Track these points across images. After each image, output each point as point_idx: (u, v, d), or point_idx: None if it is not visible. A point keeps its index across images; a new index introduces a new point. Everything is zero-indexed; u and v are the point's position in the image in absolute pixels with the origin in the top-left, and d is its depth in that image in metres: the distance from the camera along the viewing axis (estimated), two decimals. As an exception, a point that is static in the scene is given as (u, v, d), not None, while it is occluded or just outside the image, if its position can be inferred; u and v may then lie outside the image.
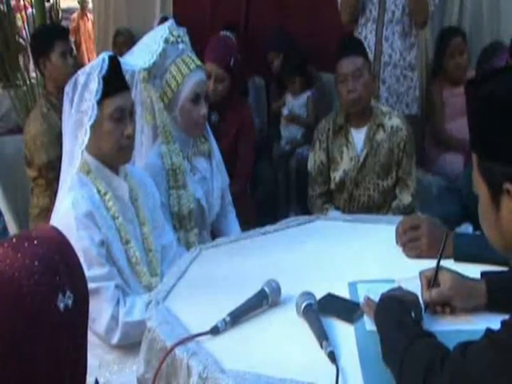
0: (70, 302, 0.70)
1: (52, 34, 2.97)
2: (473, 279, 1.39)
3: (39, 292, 0.67)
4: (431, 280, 1.37)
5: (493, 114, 0.99)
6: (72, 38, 7.47)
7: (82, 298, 0.74)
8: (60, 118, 2.79)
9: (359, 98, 2.54)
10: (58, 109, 2.85)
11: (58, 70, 2.92)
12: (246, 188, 3.13)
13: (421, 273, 1.42)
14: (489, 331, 1.01)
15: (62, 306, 0.69)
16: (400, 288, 1.35)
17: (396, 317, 1.20)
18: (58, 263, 0.71)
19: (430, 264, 1.43)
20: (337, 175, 2.67)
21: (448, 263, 1.48)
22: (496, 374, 0.95)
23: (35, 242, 0.71)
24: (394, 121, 2.61)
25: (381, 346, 1.18)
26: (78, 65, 4.27)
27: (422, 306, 1.32)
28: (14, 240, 0.71)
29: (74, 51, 6.63)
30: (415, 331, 1.15)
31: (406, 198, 2.62)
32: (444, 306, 1.37)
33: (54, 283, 0.69)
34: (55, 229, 0.77)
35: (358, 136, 2.63)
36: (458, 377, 0.99)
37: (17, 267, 0.67)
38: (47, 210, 2.66)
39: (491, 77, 1.01)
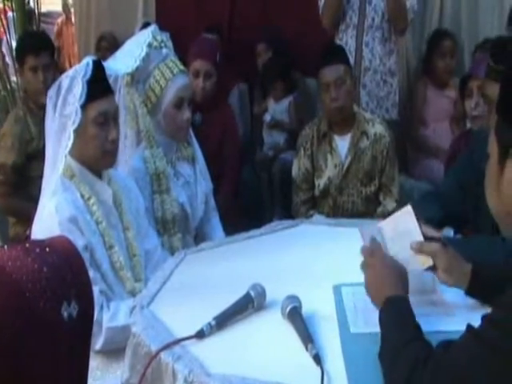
0: (74, 312, 0.71)
1: (24, 49, 2.99)
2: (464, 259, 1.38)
3: (43, 298, 0.68)
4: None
5: None
6: (55, 43, 7.42)
7: (87, 310, 0.74)
8: (35, 124, 2.79)
9: (343, 106, 2.57)
10: (35, 114, 2.84)
11: (28, 83, 2.97)
12: (233, 199, 3.12)
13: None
14: (470, 327, 1.02)
15: (65, 314, 0.70)
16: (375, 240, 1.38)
17: (398, 317, 1.19)
18: (66, 273, 0.72)
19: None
20: (321, 182, 2.68)
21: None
22: (478, 367, 0.96)
23: (47, 249, 0.72)
24: (377, 128, 2.64)
25: (381, 343, 1.17)
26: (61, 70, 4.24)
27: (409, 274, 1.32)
28: (27, 245, 0.73)
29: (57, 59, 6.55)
30: (413, 334, 1.13)
31: (390, 204, 2.64)
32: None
33: (60, 291, 0.70)
34: (68, 240, 0.78)
35: (342, 143, 2.65)
36: (440, 372, 1.00)
37: (25, 271, 0.68)
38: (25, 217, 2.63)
39: None
